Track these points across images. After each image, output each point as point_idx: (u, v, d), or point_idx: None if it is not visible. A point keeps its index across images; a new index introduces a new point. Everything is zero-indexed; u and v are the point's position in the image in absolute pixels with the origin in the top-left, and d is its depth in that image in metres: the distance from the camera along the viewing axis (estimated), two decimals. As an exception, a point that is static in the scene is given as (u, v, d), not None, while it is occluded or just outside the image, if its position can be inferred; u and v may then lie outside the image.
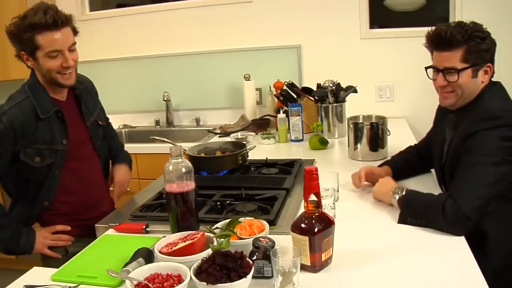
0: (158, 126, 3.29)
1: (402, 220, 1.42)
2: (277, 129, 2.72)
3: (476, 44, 1.46)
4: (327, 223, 1.18)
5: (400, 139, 2.23)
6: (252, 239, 1.23)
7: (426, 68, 1.61)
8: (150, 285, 1.08)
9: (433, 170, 1.85)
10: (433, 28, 1.54)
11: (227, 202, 1.65)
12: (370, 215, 1.53)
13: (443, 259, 1.22)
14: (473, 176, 1.37)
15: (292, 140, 2.58)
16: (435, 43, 1.53)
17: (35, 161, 1.64)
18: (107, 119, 2.05)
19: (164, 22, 3.18)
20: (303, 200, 1.18)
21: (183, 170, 1.32)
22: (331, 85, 2.56)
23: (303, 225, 1.17)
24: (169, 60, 3.21)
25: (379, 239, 1.36)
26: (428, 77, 1.61)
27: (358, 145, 2.13)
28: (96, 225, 1.61)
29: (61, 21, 1.55)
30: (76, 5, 3.28)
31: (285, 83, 2.76)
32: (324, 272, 1.19)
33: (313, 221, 1.16)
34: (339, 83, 2.61)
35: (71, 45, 1.61)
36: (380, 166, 1.84)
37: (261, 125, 2.88)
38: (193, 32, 3.15)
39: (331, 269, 1.20)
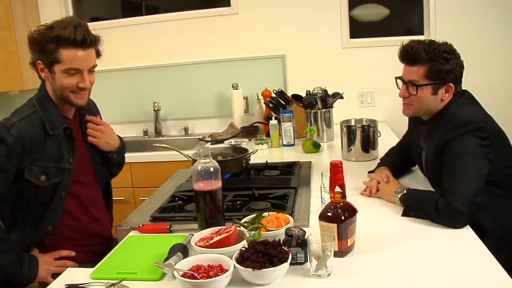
0: (147, 136, 3.34)
1: (405, 214, 1.55)
2: (266, 135, 2.84)
3: (438, 64, 1.60)
4: (351, 211, 1.30)
5: (387, 141, 2.38)
6: (279, 230, 1.34)
7: (396, 78, 1.76)
8: (196, 274, 1.17)
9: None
10: (405, 42, 1.69)
11: (239, 202, 1.75)
12: (377, 208, 1.66)
13: (453, 243, 1.36)
14: (458, 174, 1.49)
15: (284, 145, 2.70)
16: (403, 57, 1.69)
17: (40, 180, 1.56)
18: None
19: (152, 34, 3.26)
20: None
21: (211, 169, 1.42)
22: (319, 92, 2.71)
23: (330, 214, 1.28)
24: (157, 71, 3.29)
25: (391, 227, 1.49)
26: (397, 86, 1.77)
27: (352, 147, 2.28)
28: (117, 228, 1.67)
29: (90, 40, 1.53)
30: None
31: (274, 91, 2.89)
32: (349, 256, 1.30)
33: (339, 210, 1.28)
34: (326, 89, 2.76)
35: (92, 67, 1.59)
36: (376, 168, 1.96)
37: (251, 132, 2.99)
38: (180, 43, 3.25)
39: (355, 254, 1.32)
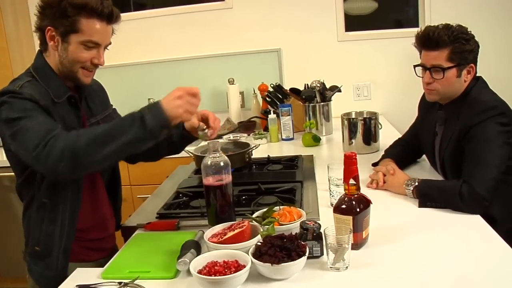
0: (142, 133, 3.29)
1: (422, 205, 1.55)
2: (264, 130, 2.82)
3: (460, 45, 1.62)
4: (365, 203, 1.29)
5: (386, 133, 2.38)
6: (293, 224, 1.32)
7: (415, 66, 1.76)
8: (213, 271, 1.14)
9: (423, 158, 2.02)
10: (423, 29, 1.70)
11: (245, 197, 1.73)
12: (388, 200, 1.66)
13: (464, 233, 1.36)
14: (482, 161, 1.52)
15: (283, 139, 2.69)
16: (424, 42, 1.69)
17: None
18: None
19: (145, 30, 3.22)
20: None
21: (221, 164, 1.39)
22: (318, 85, 2.70)
23: (344, 206, 1.27)
24: (151, 67, 3.24)
25: (403, 219, 1.49)
26: (416, 74, 1.77)
27: (353, 140, 2.27)
28: (123, 226, 1.63)
29: (116, 16, 1.40)
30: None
31: (271, 85, 2.87)
32: (364, 249, 1.30)
33: (354, 202, 1.27)
34: (324, 83, 2.75)
35: (108, 45, 1.46)
36: (381, 159, 1.96)
37: (248, 127, 2.97)
38: (174, 38, 3.21)
39: (369, 246, 1.31)
